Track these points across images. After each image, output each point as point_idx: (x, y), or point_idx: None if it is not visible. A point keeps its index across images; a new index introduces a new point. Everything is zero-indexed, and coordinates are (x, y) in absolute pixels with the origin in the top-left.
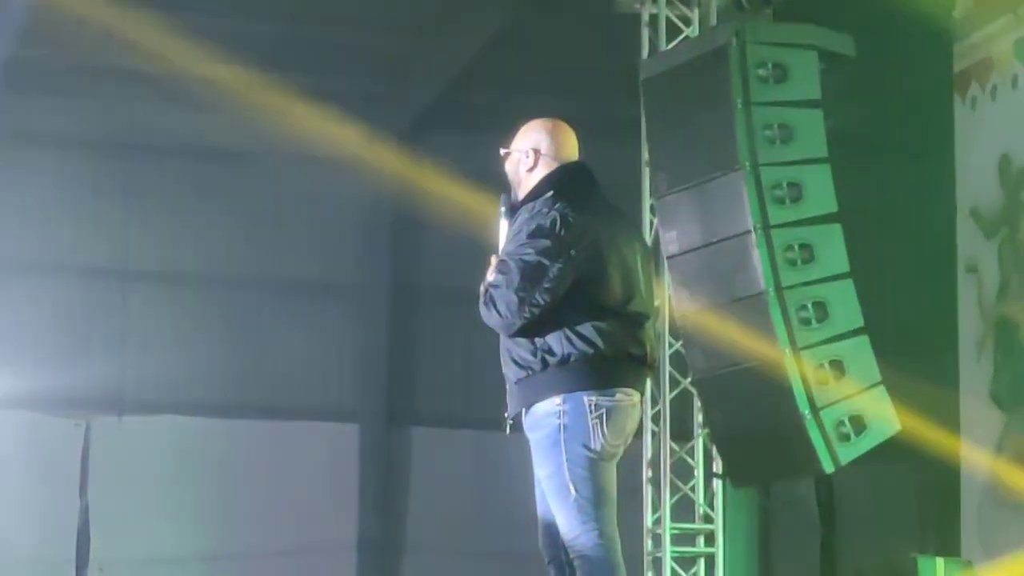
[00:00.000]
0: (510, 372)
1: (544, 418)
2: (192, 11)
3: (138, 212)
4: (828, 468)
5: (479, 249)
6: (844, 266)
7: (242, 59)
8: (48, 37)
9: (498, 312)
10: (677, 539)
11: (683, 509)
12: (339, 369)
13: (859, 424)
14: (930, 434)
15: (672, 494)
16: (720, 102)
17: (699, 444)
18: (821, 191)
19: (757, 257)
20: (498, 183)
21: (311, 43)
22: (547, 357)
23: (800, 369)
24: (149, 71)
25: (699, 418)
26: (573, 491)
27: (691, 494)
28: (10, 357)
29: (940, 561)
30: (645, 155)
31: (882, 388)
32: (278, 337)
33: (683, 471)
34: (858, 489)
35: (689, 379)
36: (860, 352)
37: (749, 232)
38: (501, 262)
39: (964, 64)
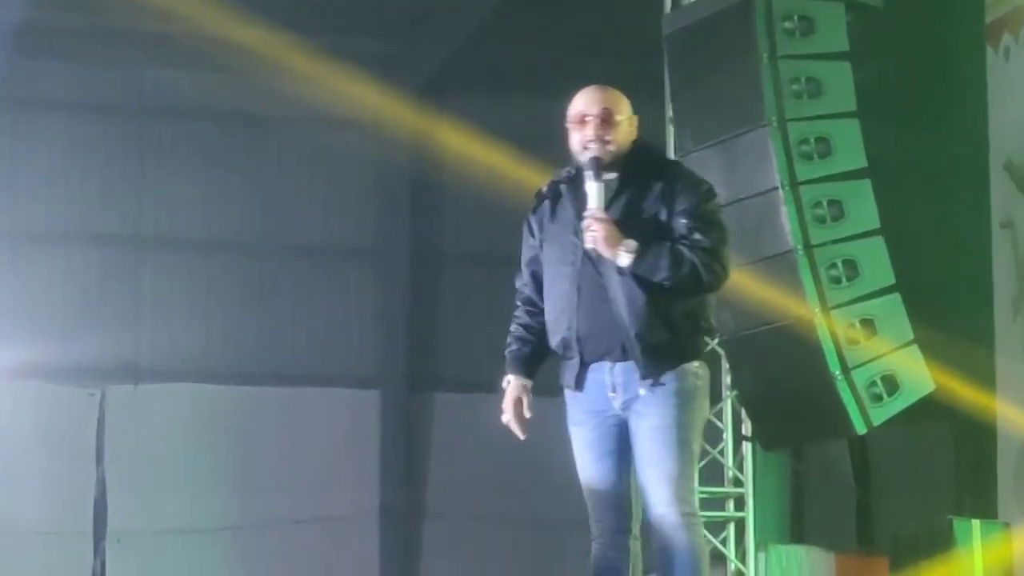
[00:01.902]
0: (649, 334)
1: (687, 376)
2: None
3: (152, 178)
4: (860, 429)
5: (499, 210)
6: (875, 223)
7: (256, 20)
8: (59, 0)
9: (715, 274)
10: (706, 503)
11: (712, 473)
12: (359, 334)
13: (892, 384)
14: (965, 393)
15: (700, 457)
16: (745, 56)
17: (728, 406)
18: (850, 146)
19: (785, 214)
20: (518, 140)
21: (326, 2)
22: (701, 323)
23: (830, 328)
24: (161, 34)
25: (727, 380)
26: (694, 448)
27: (720, 457)
28: (23, 326)
29: (976, 523)
30: (669, 112)
31: (915, 347)
32: (296, 302)
33: (711, 434)
34: (893, 450)
35: (716, 340)
36: (892, 310)
37: (776, 189)
38: (705, 223)
39: (996, 14)
